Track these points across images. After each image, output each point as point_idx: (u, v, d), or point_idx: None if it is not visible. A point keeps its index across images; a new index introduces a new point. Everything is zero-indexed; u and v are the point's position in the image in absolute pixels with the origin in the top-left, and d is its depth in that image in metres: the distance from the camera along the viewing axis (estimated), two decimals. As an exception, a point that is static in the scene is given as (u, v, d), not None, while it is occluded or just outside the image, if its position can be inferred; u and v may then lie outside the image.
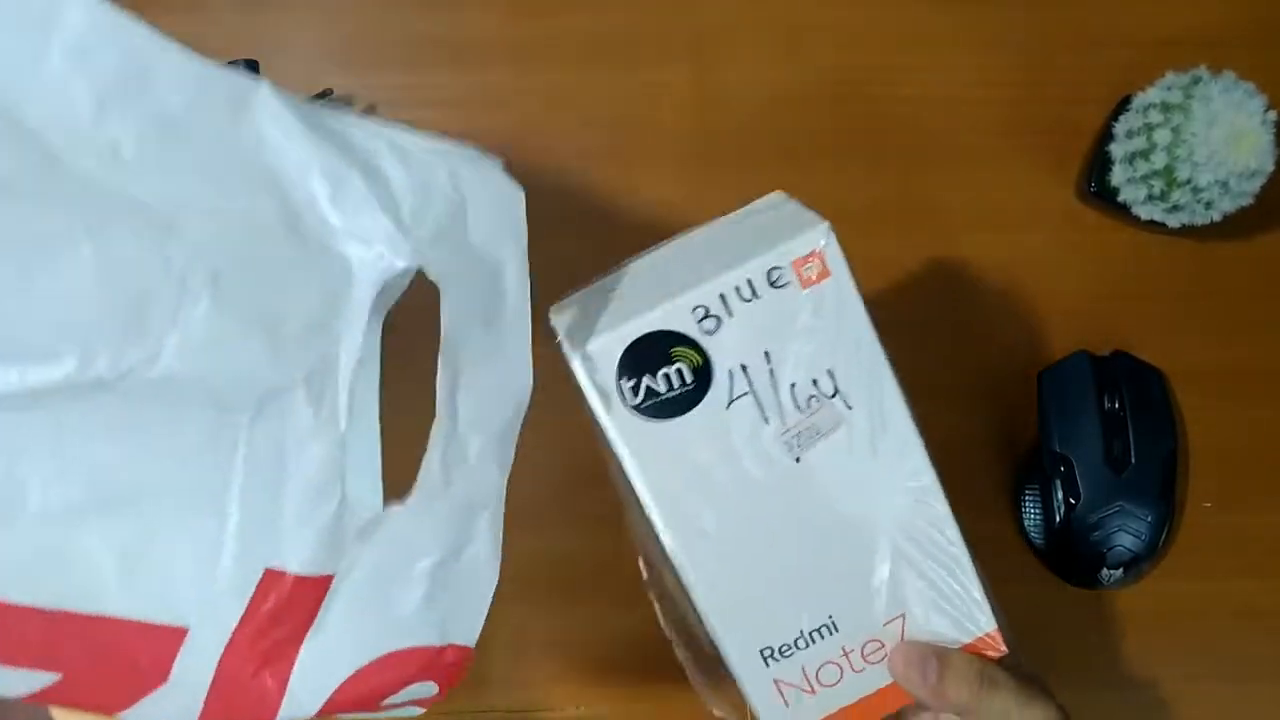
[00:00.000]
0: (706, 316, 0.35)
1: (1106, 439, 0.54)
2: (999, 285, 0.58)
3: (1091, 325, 0.57)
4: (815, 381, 0.36)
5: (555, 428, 0.57)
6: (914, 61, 0.58)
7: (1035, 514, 0.56)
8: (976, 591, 0.39)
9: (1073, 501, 0.54)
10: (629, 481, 0.36)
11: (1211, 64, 0.50)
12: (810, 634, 0.38)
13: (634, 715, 0.57)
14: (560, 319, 0.38)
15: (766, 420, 0.36)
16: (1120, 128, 0.53)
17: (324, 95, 0.53)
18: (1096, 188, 0.55)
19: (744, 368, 0.35)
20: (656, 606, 0.41)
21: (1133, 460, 0.54)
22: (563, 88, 0.58)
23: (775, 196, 0.39)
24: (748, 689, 0.38)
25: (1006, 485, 0.57)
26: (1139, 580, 0.56)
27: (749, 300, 0.35)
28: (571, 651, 0.57)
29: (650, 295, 0.35)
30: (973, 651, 0.40)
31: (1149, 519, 0.54)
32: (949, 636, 0.39)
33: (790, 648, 0.38)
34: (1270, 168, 0.49)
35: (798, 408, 0.36)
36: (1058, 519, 0.55)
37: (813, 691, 0.38)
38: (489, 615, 0.53)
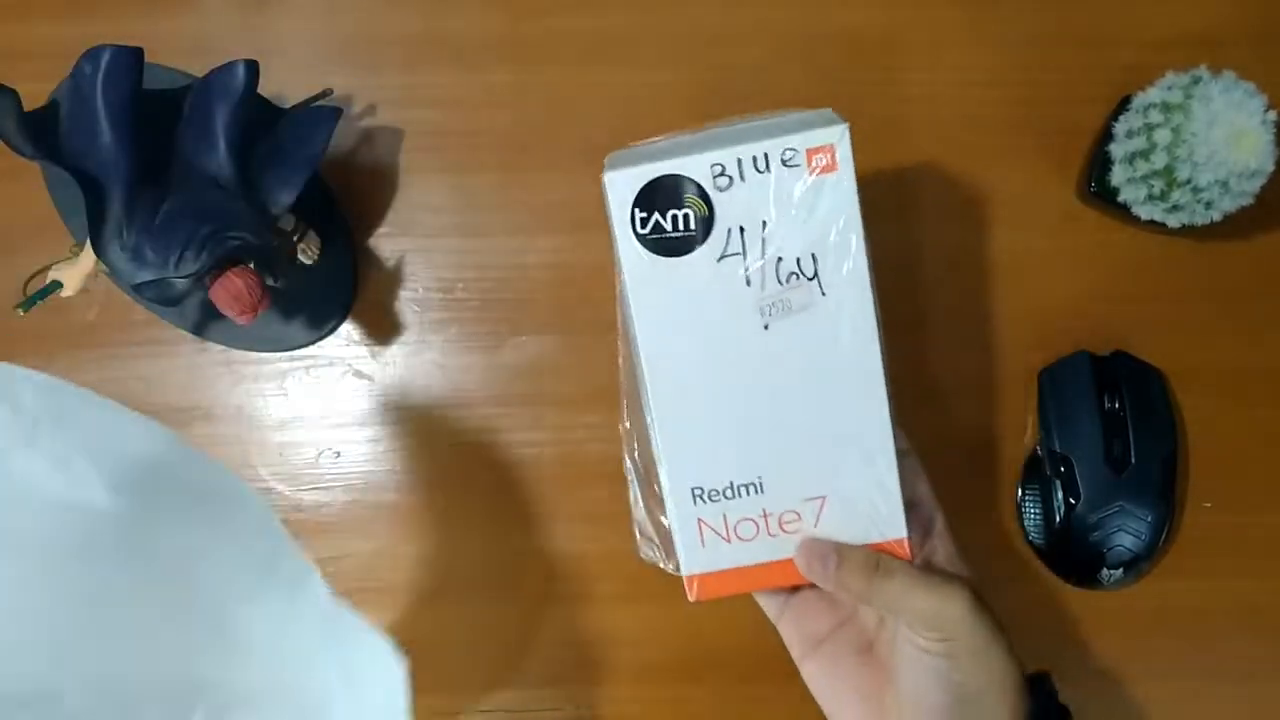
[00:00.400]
0: (722, 174, 0.39)
1: (1106, 439, 0.54)
2: (999, 285, 0.58)
3: (1091, 325, 0.57)
4: (799, 260, 0.40)
5: (557, 432, 0.57)
6: (914, 61, 0.58)
7: (1035, 514, 0.56)
8: (895, 499, 0.42)
9: (1073, 501, 0.54)
10: (627, 305, 0.41)
11: (1211, 64, 0.50)
12: (739, 487, 0.42)
13: (634, 715, 0.57)
14: (610, 158, 0.42)
15: (749, 283, 0.40)
16: (1120, 128, 0.53)
17: (324, 95, 0.53)
18: (1096, 188, 0.55)
19: (741, 229, 0.39)
20: (623, 443, 0.44)
21: (1133, 460, 0.54)
22: (563, 88, 0.58)
23: (825, 110, 0.42)
24: (674, 519, 0.42)
25: (1006, 485, 0.57)
26: (1139, 580, 0.56)
27: (762, 172, 0.39)
28: (571, 651, 0.57)
29: (681, 150, 0.40)
30: (883, 552, 0.42)
31: (1149, 519, 0.54)
32: (860, 534, 0.42)
33: (718, 493, 0.42)
34: (1270, 167, 0.49)
35: (778, 280, 0.40)
36: (1058, 519, 0.55)
37: (728, 540, 0.42)
38: (489, 616, 0.53)
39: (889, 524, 0.42)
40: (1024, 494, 0.57)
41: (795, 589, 0.45)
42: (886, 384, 0.41)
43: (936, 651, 0.40)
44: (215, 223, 0.46)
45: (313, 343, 0.57)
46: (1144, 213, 0.53)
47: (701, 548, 0.42)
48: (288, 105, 0.53)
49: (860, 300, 0.40)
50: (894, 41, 0.58)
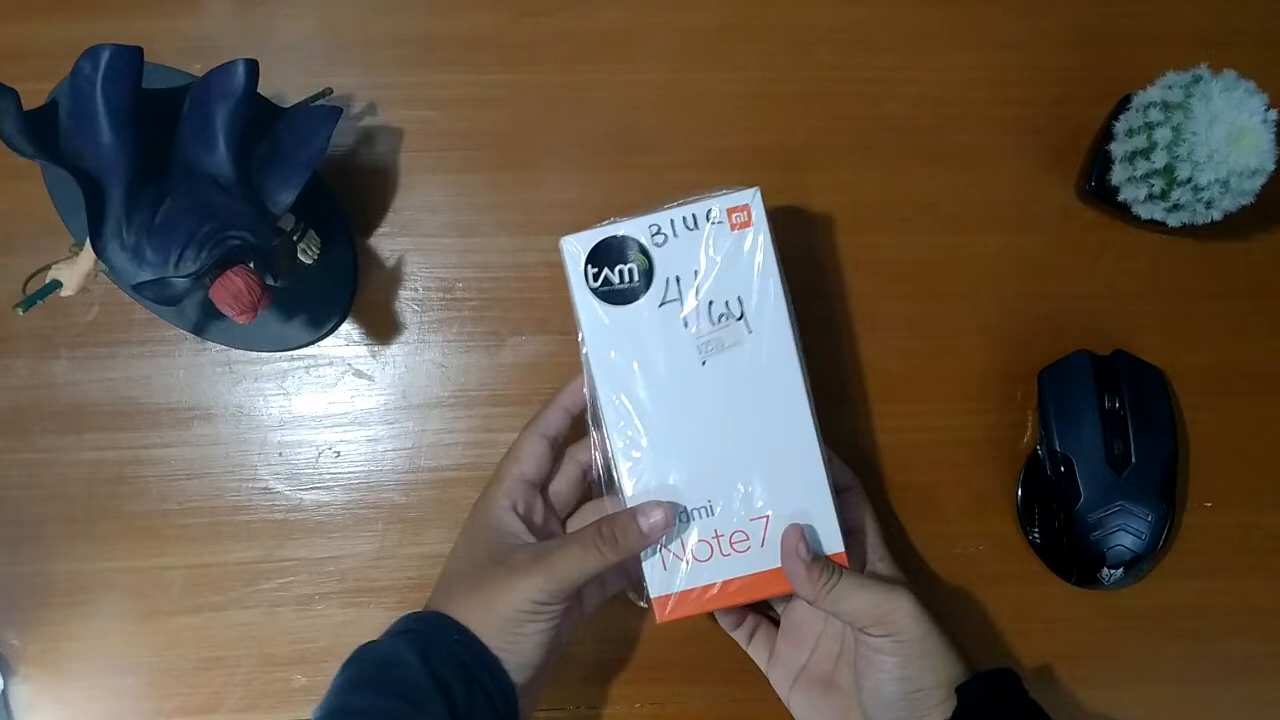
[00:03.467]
0: (659, 233, 0.47)
1: (1107, 439, 0.54)
2: (999, 285, 0.58)
3: (1091, 325, 0.57)
4: (727, 303, 0.46)
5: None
6: (914, 61, 0.58)
7: (1035, 513, 0.56)
8: (830, 515, 0.47)
9: (1073, 501, 0.54)
10: (585, 349, 0.47)
11: (1212, 63, 0.50)
12: (692, 511, 0.47)
13: (634, 715, 0.57)
14: (568, 235, 0.47)
15: (686, 324, 0.46)
16: (1120, 126, 0.53)
17: (324, 95, 0.53)
18: (1096, 187, 0.55)
19: (677, 279, 0.46)
20: (595, 458, 0.49)
21: (1133, 460, 0.54)
22: (563, 87, 0.58)
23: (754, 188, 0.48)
24: None
25: (1006, 485, 0.57)
26: (1139, 580, 0.56)
27: (691, 229, 0.46)
28: (572, 651, 0.56)
29: (625, 218, 0.47)
30: None
31: (1149, 519, 0.54)
32: None
33: (675, 519, 0.46)
34: (1271, 166, 0.49)
35: (711, 321, 0.46)
36: (1058, 519, 0.55)
37: (688, 562, 0.47)
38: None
39: (827, 539, 0.47)
40: (1024, 493, 0.56)
41: (756, 624, 0.53)
42: (811, 411, 0.46)
43: (888, 650, 0.45)
44: (215, 222, 0.46)
45: (313, 342, 0.57)
46: (1144, 212, 0.53)
47: (664, 571, 0.47)
48: (288, 105, 0.53)
49: (781, 336, 0.46)
50: (894, 40, 0.58)
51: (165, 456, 0.56)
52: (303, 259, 0.54)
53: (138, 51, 0.45)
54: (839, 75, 0.58)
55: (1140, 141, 0.51)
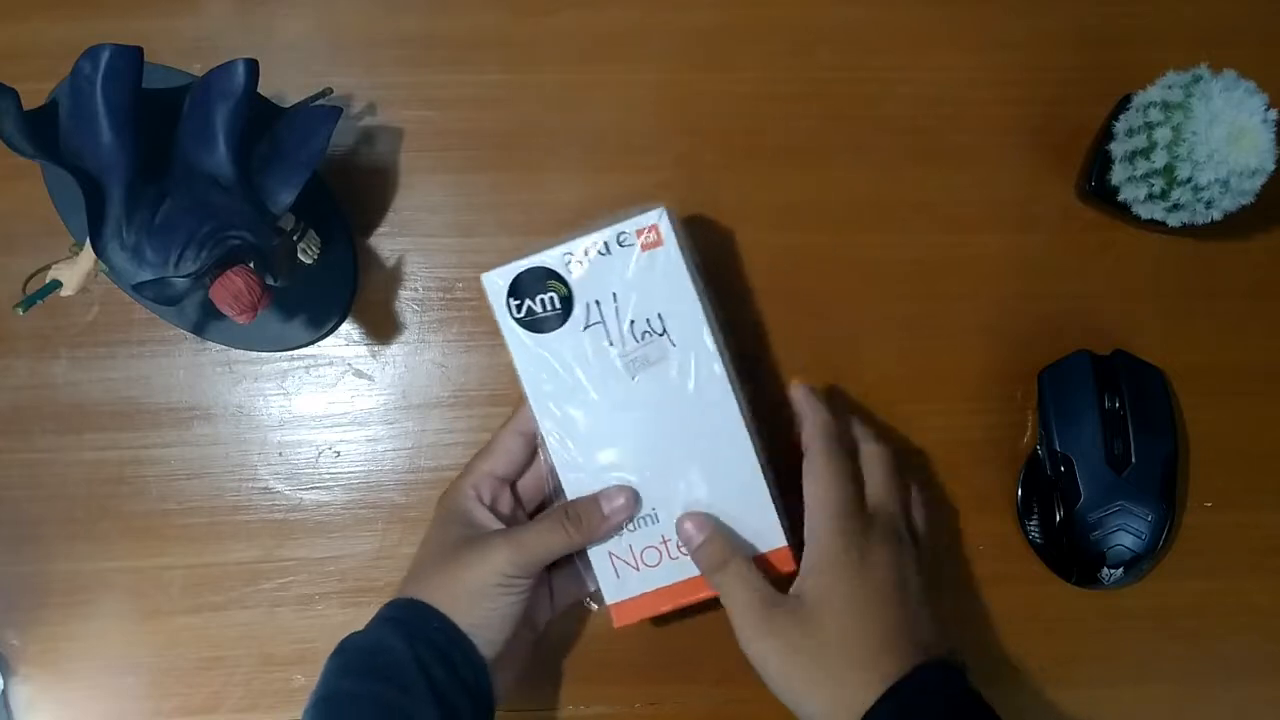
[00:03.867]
0: (572, 261, 0.48)
1: (1107, 438, 0.54)
2: (998, 285, 0.58)
3: (1091, 325, 0.57)
4: (648, 320, 0.48)
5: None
6: (913, 61, 0.58)
7: (1035, 513, 0.56)
8: (770, 514, 0.48)
9: (1073, 501, 0.54)
10: (520, 378, 0.48)
11: (1212, 62, 0.50)
12: (638, 519, 0.49)
13: (634, 715, 0.57)
14: (488, 271, 0.49)
15: (611, 344, 0.48)
16: (1120, 126, 0.53)
17: (324, 95, 0.53)
18: (1096, 186, 0.55)
19: (598, 303, 0.48)
20: (546, 474, 0.50)
21: (1133, 460, 0.54)
22: (563, 87, 0.58)
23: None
24: (590, 556, 0.49)
25: (1006, 485, 0.57)
26: (1139, 580, 0.56)
27: (604, 254, 0.48)
28: (571, 651, 0.57)
29: (541, 249, 0.48)
30: (765, 562, 0.48)
31: (1149, 518, 0.54)
32: (746, 548, 0.48)
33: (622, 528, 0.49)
34: (1271, 166, 0.49)
35: (635, 339, 0.48)
36: (1058, 518, 0.55)
37: (638, 569, 0.49)
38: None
39: (769, 536, 0.48)
40: (1024, 493, 0.56)
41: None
42: (743, 414, 0.48)
43: (770, 654, 0.45)
44: (215, 222, 0.46)
45: (313, 342, 0.57)
46: (1144, 212, 0.53)
47: (616, 578, 0.49)
48: (288, 105, 0.53)
49: (704, 346, 0.48)
50: (892, 40, 0.58)
51: (165, 456, 0.56)
52: (303, 259, 0.54)
53: (138, 51, 0.45)
54: (838, 75, 0.58)
55: (1140, 141, 0.51)
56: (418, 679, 0.44)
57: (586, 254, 0.47)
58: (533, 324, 0.48)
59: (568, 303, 0.47)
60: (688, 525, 0.48)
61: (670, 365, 0.48)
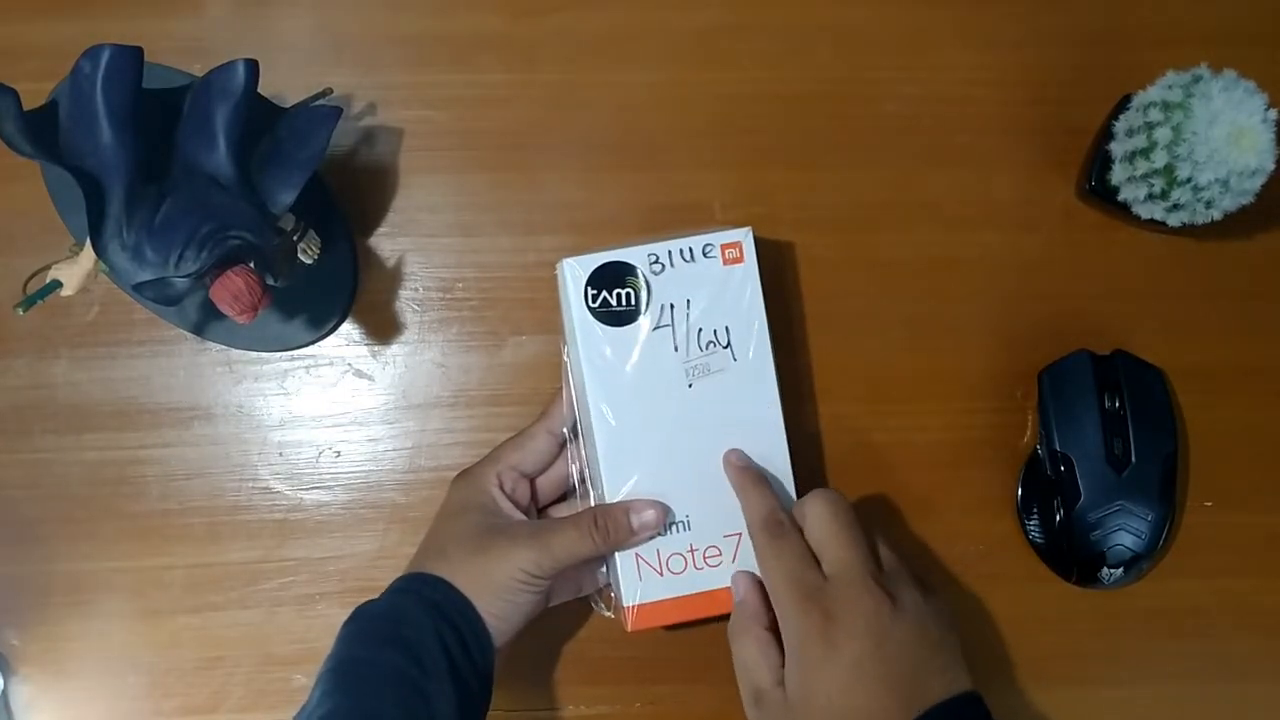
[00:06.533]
0: (656, 262, 0.49)
1: (1107, 438, 0.54)
2: (999, 285, 0.58)
3: (1091, 325, 0.57)
4: (715, 332, 0.49)
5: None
6: (914, 61, 0.58)
7: (1035, 513, 0.56)
8: None
9: (1073, 501, 0.54)
10: (579, 366, 0.49)
11: (1212, 62, 0.50)
12: (670, 525, 0.49)
13: (634, 715, 0.57)
14: (568, 258, 0.50)
15: (676, 349, 0.49)
16: (1120, 126, 0.53)
17: (324, 95, 0.53)
18: (1096, 186, 0.55)
19: (671, 306, 0.49)
20: (572, 469, 0.52)
21: (1133, 460, 0.54)
22: (563, 87, 0.58)
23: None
24: (616, 555, 0.49)
25: (1007, 485, 0.57)
26: (1139, 579, 0.56)
27: (687, 261, 0.50)
28: (571, 651, 0.57)
29: (626, 244, 0.50)
30: None
31: (1149, 518, 0.54)
32: None
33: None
34: (1271, 166, 0.49)
35: (699, 347, 0.49)
36: (1058, 518, 0.55)
37: (661, 574, 0.49)
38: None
39: None
40: (1024, 493, 0.56)
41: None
42: (784, 431, 0.50)
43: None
44: (215, 222, 0.46)
45: (313, 342, 0.57)
46: (1144, 212, 0.53)
47: (639, 581, 0.49)
48: (288, 105, 0.53)
49: (763, 364, 0.49)
50: (894, 40, 0.58)
51: (165, 456, 0.57)
52: (303, 259, 0.54)
53: (138, 51, 0.45)
54: (838, 75, 0.58)
55: (1140, 141, 0.51)
56: (440, 657, 0.44)
57: (670, 258, 0.49)
58: (605, 316, 0.49)
59: (644, 302, 0.49)
60: (738, 580, 0.48)
61: (727, 377, 0.49)
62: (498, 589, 0.47)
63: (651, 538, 0.49)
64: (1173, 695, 0.57)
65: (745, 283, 0.49)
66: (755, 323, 0.49)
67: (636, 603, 0.49)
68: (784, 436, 0.49)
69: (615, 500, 0.49)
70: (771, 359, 0.49)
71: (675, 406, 0.49)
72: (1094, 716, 0.57)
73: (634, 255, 0.49)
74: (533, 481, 0.52)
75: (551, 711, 0.56)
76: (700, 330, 0.49)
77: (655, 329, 0.49)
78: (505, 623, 0.47)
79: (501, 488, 0.50)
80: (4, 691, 0.55)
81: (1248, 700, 0.57)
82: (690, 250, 0.49)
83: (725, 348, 0.49)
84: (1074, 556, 0.55)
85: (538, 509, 0.53)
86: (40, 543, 0.56)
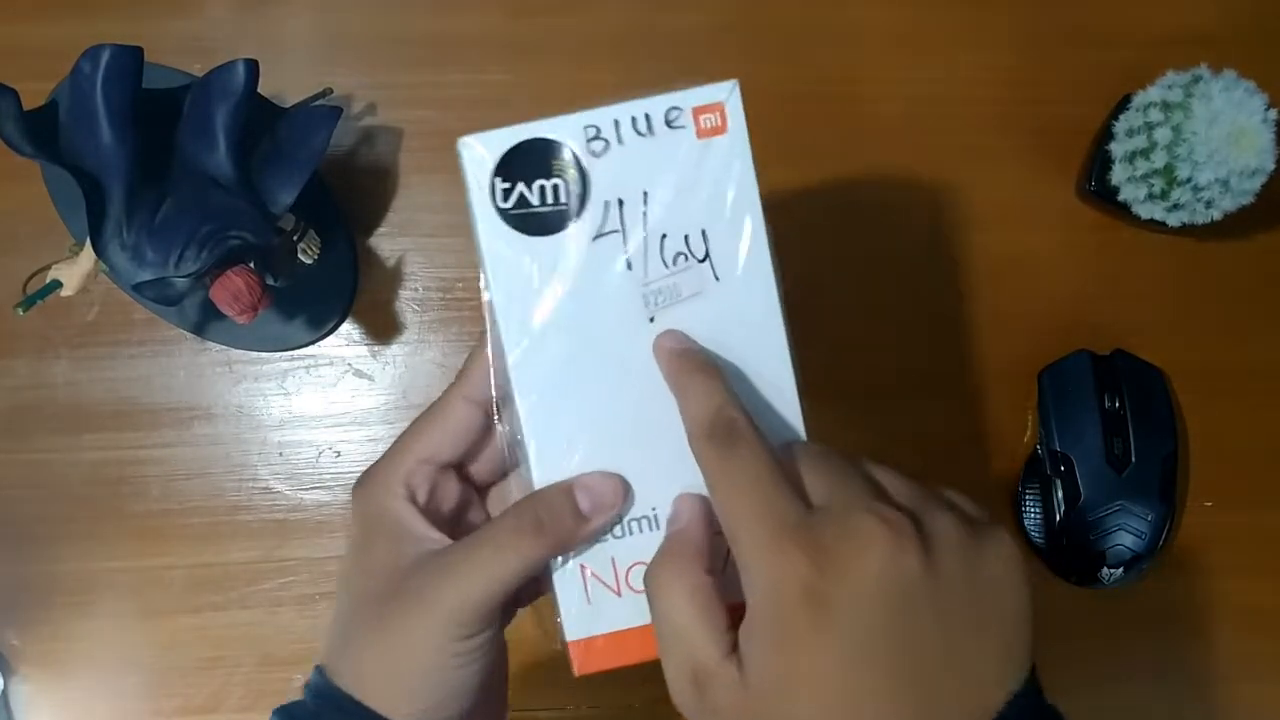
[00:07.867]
0: (597, 138, 0.33)
1: (1107, 438, 0.54)
2: (999, 285, 0.58)
3: (1091, 325, 0.57)
4: (687, 238, 0.33)
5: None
6: (914, 61, 0.58)
7: (1035, 513, 0.56)
8: None
9: (1073, 501, 0.54)
10: (490, 300, 0.34)
11: (1212, 62, 0.50)
12: (630, 522, 0.33)
13: (634, 715, 0.57)
14: (469, 135, 0.34)
15: (630, 266, 0.33)
16: (1120, 126, 0.53)
17: (324, 95, 0.53)
18: (1096, 186, 0.55)
19: (620, 202, 0.33)
20: (502, 443, 0.36)
21: (1133, 459, 0.54)
22: (562, 87, 0.58)
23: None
24: (552, 569, 0.33)
25: (1007, 485, 0.57)
26: (1139, 579, 0.56)
27: (642, 135, 0.33)
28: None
29: (553, 115, 0.33)
30: None
31: (1149, 518, 0.54)
32: None
33: (606, 531, 0.33)
34: (1271, 166, 0.49)
35: (664, 262, 0.33)
36: (1058, 518, 0.55)
37: (619, 593, 0.33)
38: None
39: None
40: (1024, 493, 0.56)
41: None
42: (798, 389, 0.34)
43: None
44: (215, 222, 0.46)
45: (313, 342, 0.57)
46: (1144, 212, 0.53)
47: (587, 604, 0.33)
48: (288, 105, 0.53)
49: (760, 287, 0.33)
50: (893, 40, 0.58)
51: (165, 456, 0.56)
52: (303, 259, 0.54)
53: (138, 51, 0.45)
54: (838, 75, 0.58)
55: (1140, 141, 0.51)
56: None
57: (618, 130, 0.33)
58: (522, 221, 0.33)
59: (580, 198, 0.33)
60: (679, 504, 0.33)
61: (707, 306, 0.33)
62: (417, 682, 0.32)
63: (612, 525, 0.33)
64: (1173, 695, 0.57)
65: (730, 162, 0.33)
66: (746, 224, 0.33)
67: (585, 635, 0.33)
68: (795, 392, 0.34)
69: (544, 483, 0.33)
70: (773, 277, 0.34)
71: (632, 351, 0.33)
72: (1094, 717, 0.57)
73: (563, 128, 0.33)
74: (462, 468, 0.37)
75: (551, 711, 0.56)
76: (665, 237, 0.33)
77: (597, 237, 0.33)
78: (444, 711, 0.32)
79: (413, 498, 0.34)
80: (4, 691, 0.55)
81: (1248, 700, 0.57)
82: (647, 118, 0.33)
83: (702, 261, 0.33)
84: (1074, 556, 0.55)
85: (484, 501, 0.38)
86: (40, 543, 0.56)
